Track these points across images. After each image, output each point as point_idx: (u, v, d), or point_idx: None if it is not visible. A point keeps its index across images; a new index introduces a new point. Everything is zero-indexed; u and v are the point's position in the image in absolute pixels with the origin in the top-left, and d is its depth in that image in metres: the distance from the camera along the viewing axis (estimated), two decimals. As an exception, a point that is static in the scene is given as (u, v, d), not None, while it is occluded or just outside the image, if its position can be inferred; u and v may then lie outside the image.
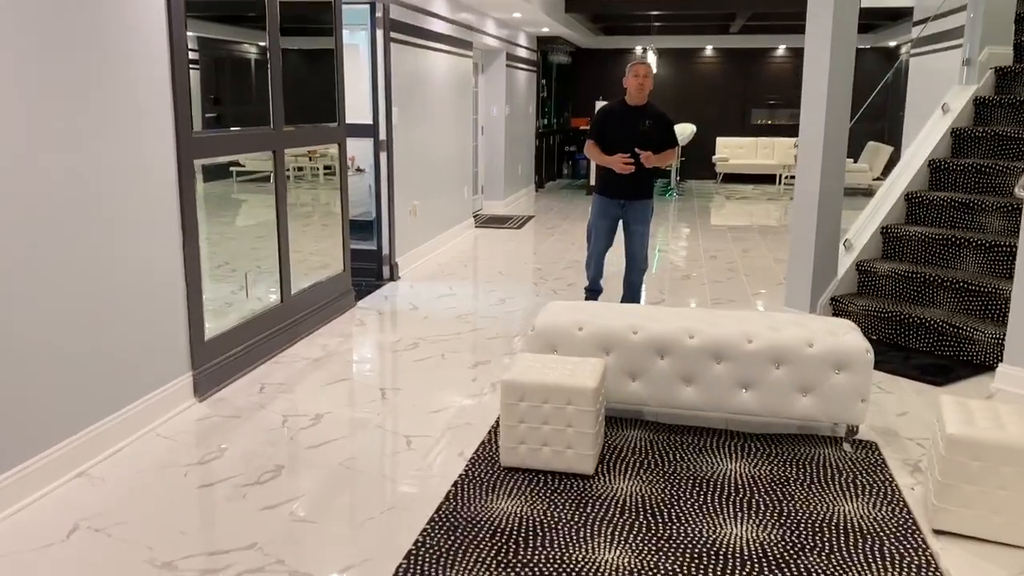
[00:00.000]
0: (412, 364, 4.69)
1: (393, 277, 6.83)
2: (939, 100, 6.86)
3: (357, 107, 6.46)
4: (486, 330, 5.41)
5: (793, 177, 14.38)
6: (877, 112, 15.34)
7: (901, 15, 12.30)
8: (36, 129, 2.96)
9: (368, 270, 6.74)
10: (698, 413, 3.72)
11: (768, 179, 14.95)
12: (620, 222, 5.51)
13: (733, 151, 15.32)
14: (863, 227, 5.58)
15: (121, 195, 3.44)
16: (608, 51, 15.58)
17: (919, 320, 4.89)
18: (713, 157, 15.26)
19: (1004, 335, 4.34)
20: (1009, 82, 5.84)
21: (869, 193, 13.63)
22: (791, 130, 15.42)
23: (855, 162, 14.00)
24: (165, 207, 3.76)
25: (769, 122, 15.60)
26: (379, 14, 6.39)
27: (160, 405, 3.74)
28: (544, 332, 3.69)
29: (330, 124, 5.59)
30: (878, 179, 13.15)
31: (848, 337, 3.49)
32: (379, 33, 6.43)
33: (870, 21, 13.62)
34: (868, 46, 14.92)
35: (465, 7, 8.68)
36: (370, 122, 6.59)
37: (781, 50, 15.34)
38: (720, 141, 15.29)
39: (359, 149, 6.71)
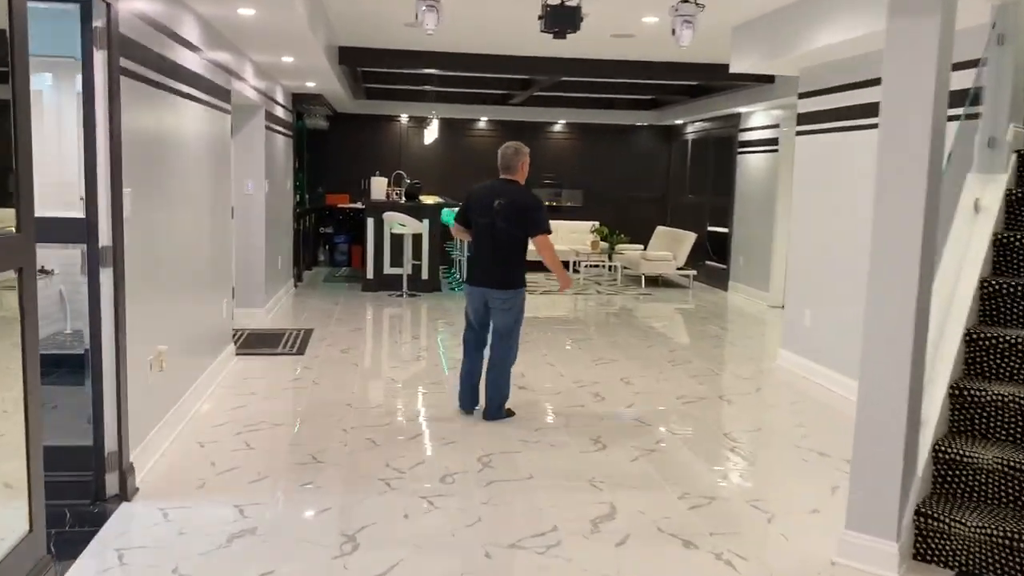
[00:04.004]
0: None
1: (125, 494, 3.74)
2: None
3: (52, 190, 3.50)
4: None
5: (593, 265, 13.18)
6: (656, 194, 14.41)
7: (697, 92, 11.32)
8: None
9: (72, 484, 3.62)
10: None
11: (556, 266, 13.17)
12: None
13: (514, 235, 13.45)
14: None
15: None
16: (369, 116, 13.13)
17: (1090, 556, 3.00)
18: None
19: None
20: (1038, 171, 4.36)
21: (670, 284, 12.46)
22: (573, 212, 13.94)
23: (644, 249, 12.79)
24: None
25: (549, 203, 14.03)
26: (98, 22, 3.49)
27: None
28: None
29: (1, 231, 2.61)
30: (682, 269, 11.94)
31: None
32: (99, 57, 3.51)
33: (659, 96, 12.58)
34: (647, 123, 13.98)
35: (223, 41, 5.87)
36: (80, 215, 3.60)
37: (559, 125, 13.90)
38: (499, 223, 13.36)
39: (59, 261, 3.68)
